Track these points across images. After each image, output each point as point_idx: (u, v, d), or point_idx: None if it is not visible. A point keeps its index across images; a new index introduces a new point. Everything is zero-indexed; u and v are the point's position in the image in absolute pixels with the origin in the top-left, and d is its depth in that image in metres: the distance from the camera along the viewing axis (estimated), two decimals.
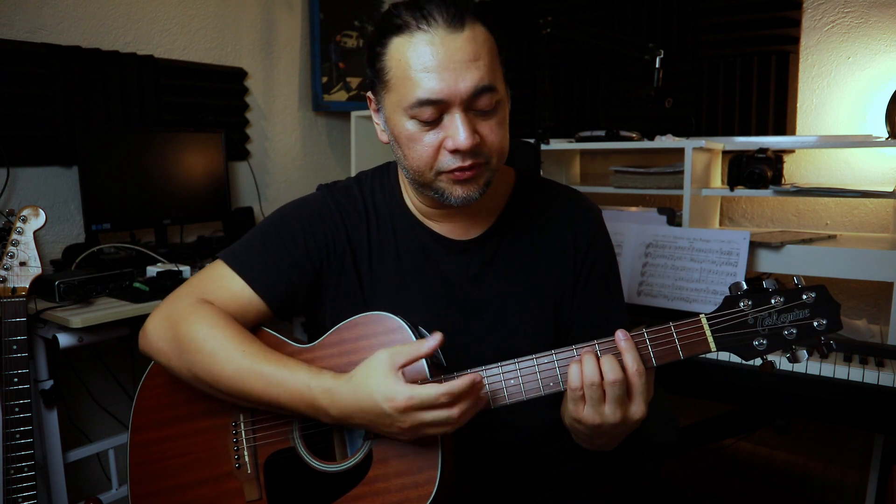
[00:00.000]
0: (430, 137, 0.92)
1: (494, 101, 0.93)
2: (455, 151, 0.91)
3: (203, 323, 0.97)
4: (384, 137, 1.02)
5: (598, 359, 0.85)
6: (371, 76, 0.98)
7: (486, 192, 0.99)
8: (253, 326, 1.05)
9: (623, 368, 0.84)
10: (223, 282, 1.04)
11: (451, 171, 0.93)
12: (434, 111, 0.90)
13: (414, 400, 0.83)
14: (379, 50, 0.94)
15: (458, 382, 0.83)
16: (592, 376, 0.83)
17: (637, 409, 0.85)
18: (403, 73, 0.90)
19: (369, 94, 1.02)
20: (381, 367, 0.86)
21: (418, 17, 0.89)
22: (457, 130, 0.90)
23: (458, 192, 0.95)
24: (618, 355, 0.85)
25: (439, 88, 0.88)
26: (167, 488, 1.05)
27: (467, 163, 0.92)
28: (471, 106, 0.91)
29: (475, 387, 0.85)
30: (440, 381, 0.87)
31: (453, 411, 0.84)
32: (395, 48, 0.91)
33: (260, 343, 0.98)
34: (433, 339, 0.85)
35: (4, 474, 1.49)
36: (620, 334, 0.86)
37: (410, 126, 0.93)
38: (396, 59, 0.91)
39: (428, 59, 0.88)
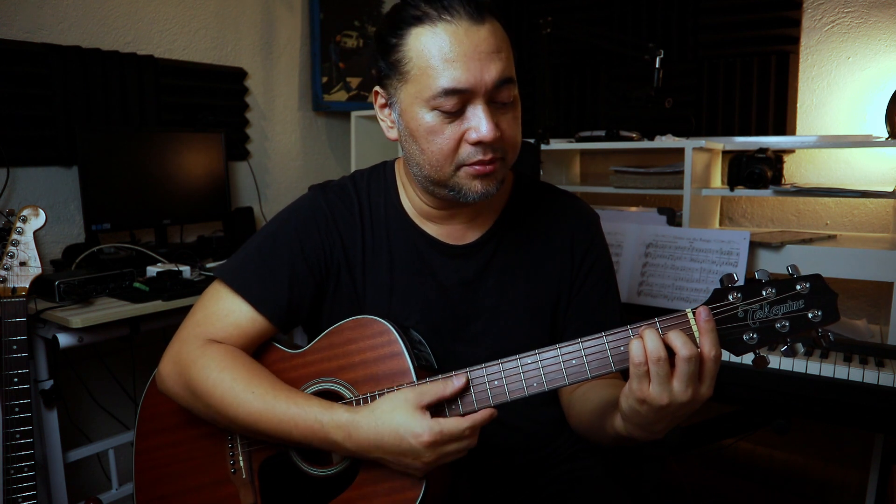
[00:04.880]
0: (452, 129, 0.91)
1: (513, 95, 0.93)
2: (477, 143, 0.91)
3: (211, 366, 0.96)
4: (392, 134, 1.00)
5: (658, 334, 0.79)
6: (383, 69, 0.95)
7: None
8: (261, 345, 1.04)
9: (698, 348, 0.78)
10: (225, 311, 1.02)
11: (472, 165, 0.92)
12: (457, 101, 0.89)
13: (443, 435, 0.84)
14: (395, 41, 0.92)
15: (480, 416, 0.86)
16: (658, 351, 0.77)
17: (707, 389, 0.79)
18: (425, 63, 0.89)
19: (377, 88, 1.00)
20: (406, 405, 0.86)
21: (440, 9, 0.89)
22: (480, 121, 0.89)
23: (478, 187, 0.94)
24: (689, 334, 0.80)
25: (465, 78, 0.88)
26: (170, 493, 1.06)
27: (488, 156, 0.92)
28: (492, 98, 0.91)
29: (490, 417, 0.87)
30: (459, 415, 0.89)
31: (473, 440, 0.86)
32: (415, 38, 0.90)
33: (270, 378, 0.97)
34: (458, 381, 0.87)
35: (4, 474, 1.49)
36: (704, 313, 0.79)
37: (430, 118, 0.91)
38: (417, 50, 0.90)
39: (452, 49, 0.88)
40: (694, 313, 0.81)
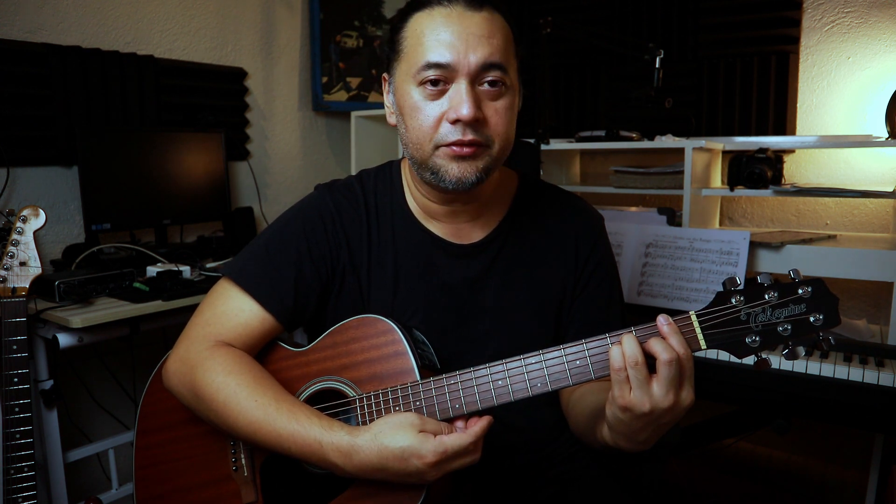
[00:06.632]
0: (434, 108, 0.93)
1: (503, 81, 0.94)
2: (456, 122, 0.92)
3: (217, 370, 0.96)
4: (392, 119, 1.03)
5: (637, 340, 0.81)
6: (388, 52, 1.00)
7: (487, 184, 0.98)
8: (267, 344, 1.05)
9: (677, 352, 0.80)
10: (235, 310, 1.02)
11: (450, 145, 0.93)
12: (440, 74, 0.91)
13: (447, 453, 0.84)
14: (400, 26, 0.97)
15: (480, 427, 0.86)
16: (635, 356, 0.79)
17: (687, 394, 0.81)
18: (417, 40, 0.93)
19: (385, 74, 1.03)
20: (407, 425, 0.86)
21: None
22: (460, 100, 0.91)
23: (454, 170, 0.94)
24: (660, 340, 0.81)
25: (449, 54, 0.91)
26: (170, 491, 1.05)
27: (467, 137, 0.92)
28: (478, 81, 0.93)
29: (489, 424, 0.88)
30: (456, 423, 0.89)
31: (476, 455, 0.87)
32: (413, 21, 0.95)
33: (273, 387, 0.96)
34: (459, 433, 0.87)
35: (4, 474, 1.49)
36: (662, 319, 0.82)
37: (416, 95, 0.94)
38: (412, 30, 0.95)
39: (442, 29, 0.92)
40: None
